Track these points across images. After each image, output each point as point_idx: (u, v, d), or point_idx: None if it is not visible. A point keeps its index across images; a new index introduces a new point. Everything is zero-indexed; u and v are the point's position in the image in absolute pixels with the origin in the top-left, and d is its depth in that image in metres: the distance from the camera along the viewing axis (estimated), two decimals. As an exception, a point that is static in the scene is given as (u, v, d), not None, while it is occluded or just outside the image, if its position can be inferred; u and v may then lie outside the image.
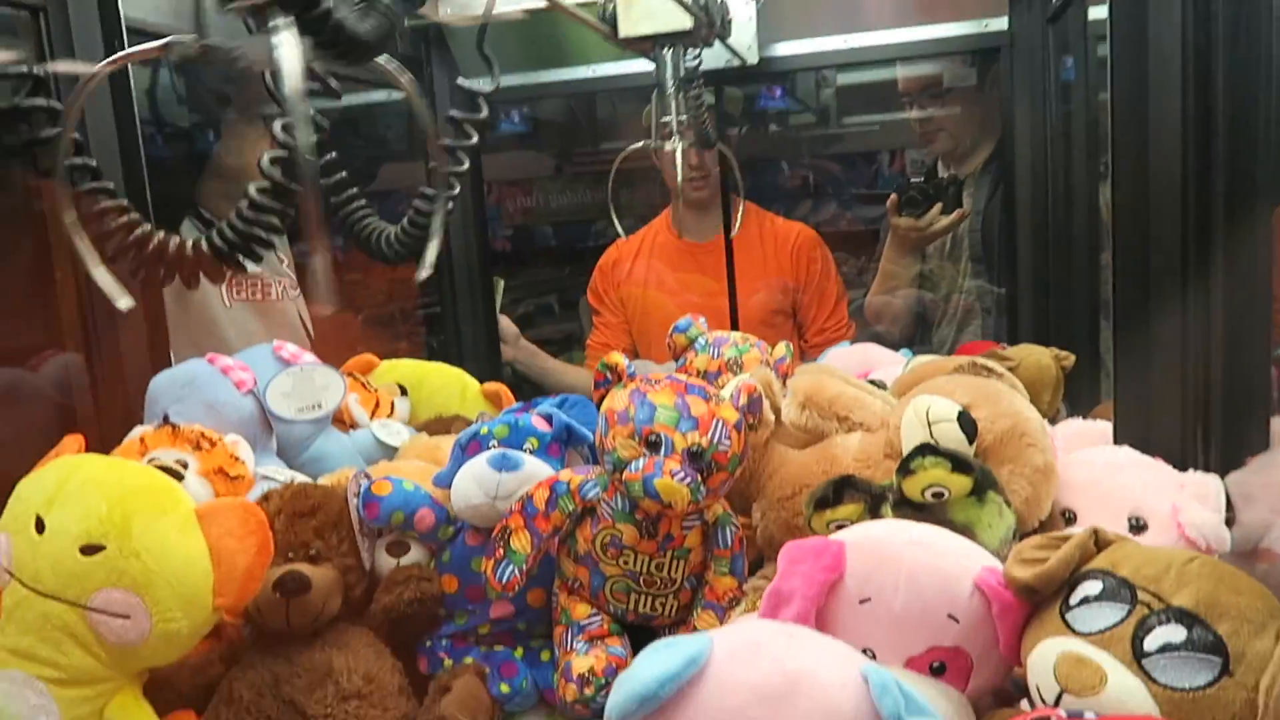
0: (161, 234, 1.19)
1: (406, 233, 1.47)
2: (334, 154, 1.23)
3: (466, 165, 1.45)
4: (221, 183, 1.93)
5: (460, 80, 1.31)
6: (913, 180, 2.31)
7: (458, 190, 1.45)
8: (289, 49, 0.79)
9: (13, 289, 1.54)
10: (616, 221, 2.03)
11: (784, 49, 2.23)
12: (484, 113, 1.34)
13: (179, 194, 1.86)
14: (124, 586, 0.92)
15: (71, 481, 0.97)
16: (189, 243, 1.19)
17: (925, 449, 0.90)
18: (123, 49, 1.38)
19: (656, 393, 1.00)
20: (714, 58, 2.14)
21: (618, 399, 1.01)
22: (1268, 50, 1.07)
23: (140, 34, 1.48)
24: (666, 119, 1.73)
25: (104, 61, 1.07)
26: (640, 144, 1.97)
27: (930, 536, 0.78)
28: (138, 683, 0.97)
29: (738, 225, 2.22)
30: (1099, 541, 0.73)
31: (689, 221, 2.53)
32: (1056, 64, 1.97)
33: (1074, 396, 1.59)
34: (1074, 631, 0.68)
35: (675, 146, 1.75)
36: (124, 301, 0.93)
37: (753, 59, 2.14)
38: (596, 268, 2.63)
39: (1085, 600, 0.69)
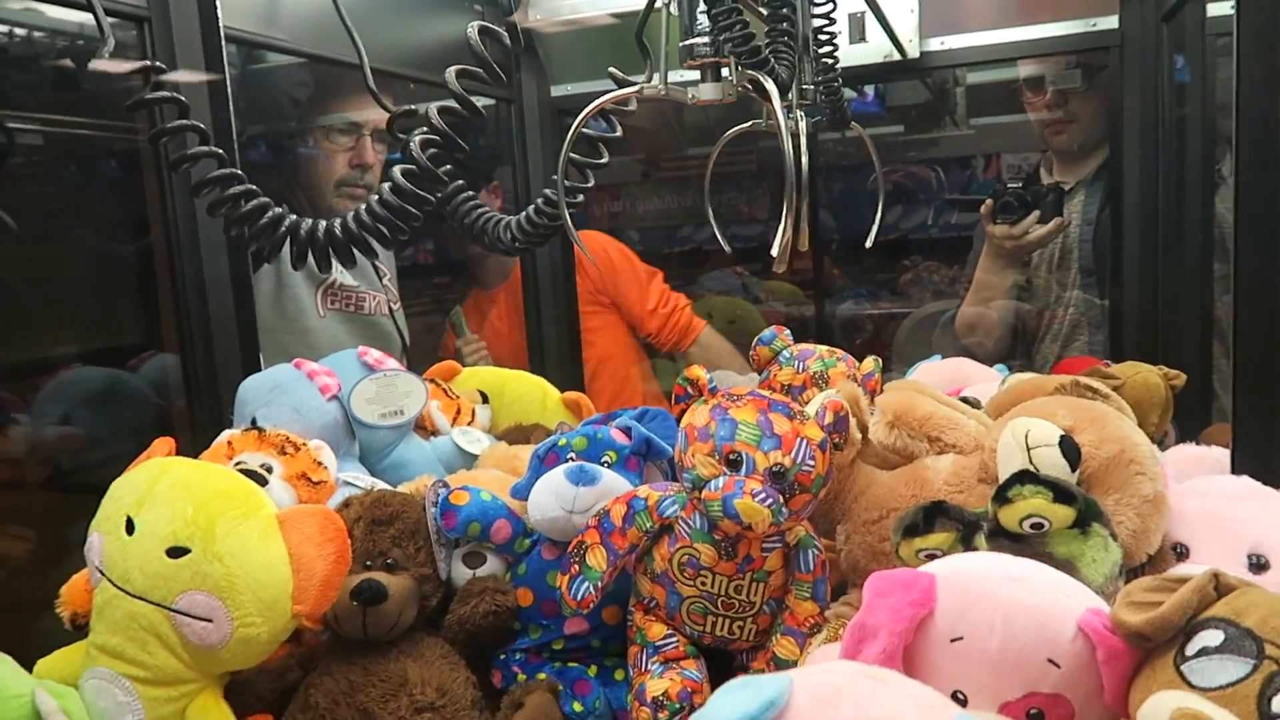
0: (294, 217, 1.21)
1: (531, 222, 1.46)
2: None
3: (606, 159, 1.39)
4: (304, 190, 1.97)
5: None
6: (1010, 185, 2.19)
7: (580, 199, 1.43)
8: (774, 91, 1.00)
9: (118, 289, 1.60)
10: (718, 232, 1.65)
11: (937, 43, 2.08)
12: (618, 133, 1.32)
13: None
14: (207, 589, 0.93)
15: (160, 484, 0.99)
16: (322, 225, 1.20)
17: (1024, 476, 0.85)
18: (222, 58, 1.41)
19: (738, 409, 0.96)
20: (865, 54, 2.04)
21: (698, 414, 0.98)
22: None
23: (237, 42, 1.52)
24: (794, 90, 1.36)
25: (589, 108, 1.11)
26: (749, 125, 1.54)
27: (1029, 572, 0.73)
28: (219, 685, 0.98)
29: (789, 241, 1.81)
30: (1220, 586, 0.67)
31: (480, 274, 2.54)
32: (1170, 64, 1.86)
33: (1184, 417, 1.49)
34: (1191, 685, 0.62)
35: (799, 122, 1.50)
36: None
37: (914, 52, 2.00)
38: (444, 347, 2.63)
39: (1204, 651, 0.63)
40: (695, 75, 1.15)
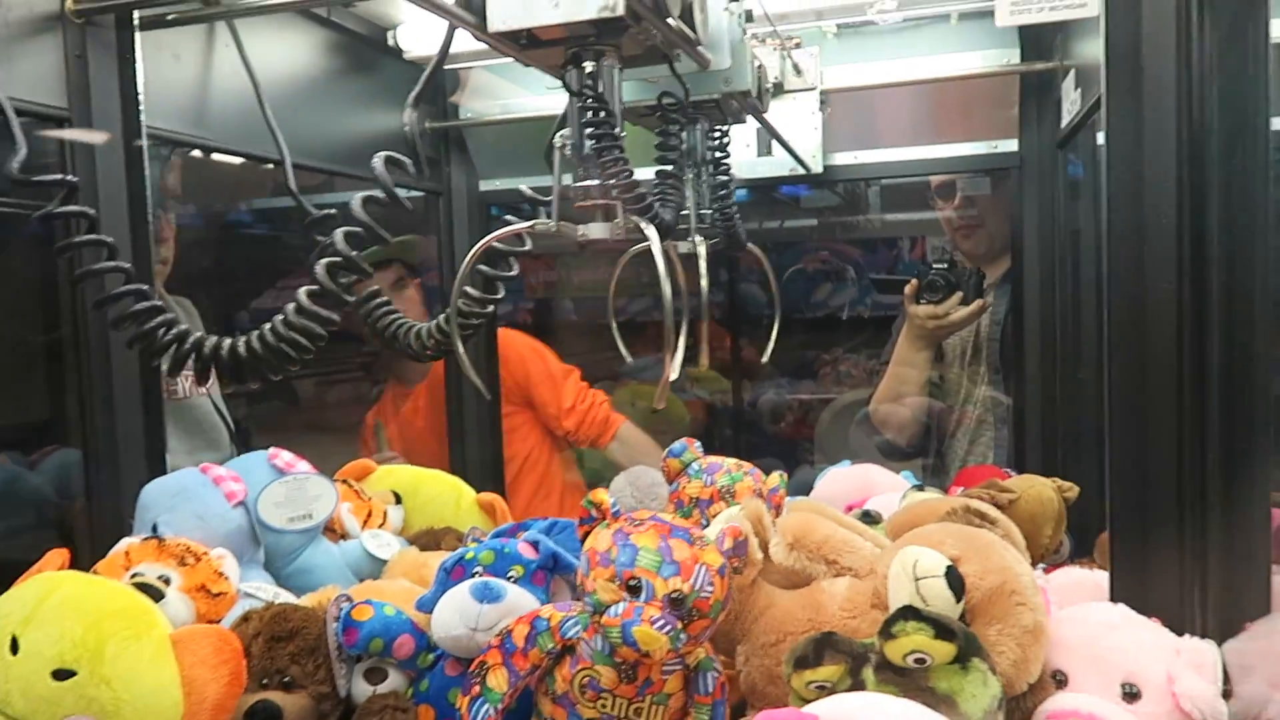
0: (198, 334, 1.22)
1: (443, 330, 1.48)
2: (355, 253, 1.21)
3: (515, 271, 1.46)
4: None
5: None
6: (935, 266, 2.22)
7: (501, 295, 1.47)
8: (654, 236, 1.07)
9: (26, 384, 1.56)
10: (620, 344, 1.77)
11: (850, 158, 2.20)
12: (528, 246, 1.37)
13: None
14: (92, 714, 0.91)
15: (49, 601, 0.97)
16: (226, 343, 1.21)
17: (908, 612, 0.88)
18: (142, 156, 1.41)
19: (640, 534, 0.98)
20: (772, 167, 2.16)
21: (600, 539, 1.00)
22: (1262, 185, 1.08)
23: (160, 141, 1.52)
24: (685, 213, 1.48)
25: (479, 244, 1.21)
26: (644, 246, 1.70)
27: (906, 716, 0.75)
28: (101, 813, 0.95)
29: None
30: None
31: (399, 370, 2.54)
32: (1066, 186, 1.98)
33: (1082, 520, 1.54)
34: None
35: (698, 247, 1.50)
36: None
37: (817, 167, 2.10)
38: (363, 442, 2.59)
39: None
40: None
